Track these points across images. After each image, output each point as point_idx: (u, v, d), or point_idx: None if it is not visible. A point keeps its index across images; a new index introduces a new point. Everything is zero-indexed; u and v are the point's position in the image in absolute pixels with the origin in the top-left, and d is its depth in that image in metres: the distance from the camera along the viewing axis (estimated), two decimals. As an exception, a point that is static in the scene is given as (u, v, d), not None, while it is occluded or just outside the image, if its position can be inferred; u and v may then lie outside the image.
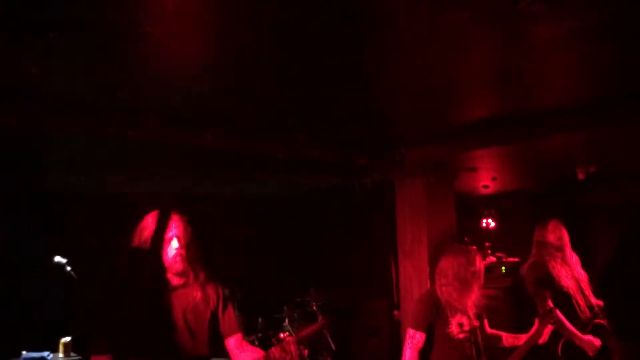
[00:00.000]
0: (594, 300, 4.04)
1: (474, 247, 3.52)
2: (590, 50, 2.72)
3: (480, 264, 3.37)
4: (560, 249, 4.00)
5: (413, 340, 3.29)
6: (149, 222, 2.69)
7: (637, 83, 3.29)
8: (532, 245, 4.19)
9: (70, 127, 3.18)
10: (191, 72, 2.80)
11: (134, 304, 2.47)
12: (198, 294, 2.68)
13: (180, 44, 2.42)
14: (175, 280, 2.68)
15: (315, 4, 2.12)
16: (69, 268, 4.31)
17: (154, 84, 2.94)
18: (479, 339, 3.40)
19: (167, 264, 2.64)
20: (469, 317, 3.33)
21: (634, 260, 1.92)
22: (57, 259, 4.34)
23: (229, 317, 2.83)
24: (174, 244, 2.65)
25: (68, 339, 4.52)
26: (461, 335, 3.31)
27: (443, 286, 3.35)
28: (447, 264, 3.39)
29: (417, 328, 3.31)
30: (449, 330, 3.29)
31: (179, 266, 2.65)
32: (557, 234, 4.02)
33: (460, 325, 3.30)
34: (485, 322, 3.56)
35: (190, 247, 2.71)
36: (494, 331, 3.62)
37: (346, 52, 2.64)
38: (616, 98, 3.50)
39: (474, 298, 3.33)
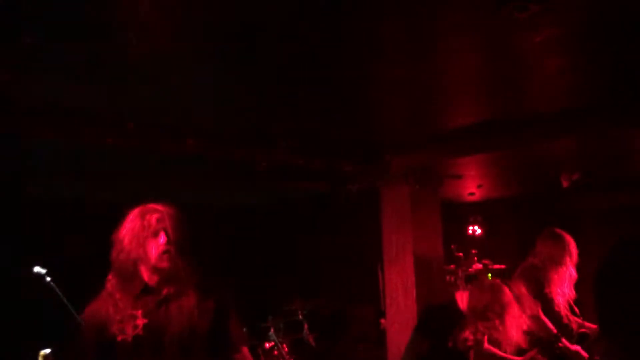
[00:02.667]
0: (577, 316, 4.04)
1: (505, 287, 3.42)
2: (574, 58, 2.73)
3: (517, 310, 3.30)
4: (559, 262, 3.95)
5: (420, 346, 3.34)
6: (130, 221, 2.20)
7: (621, 90, 3.30)
8: (530, 252, 4.14)
9: (48, 134, 3.11)
10: (172, 78, 2.76)
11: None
12: (192, 302, 2.17)
13: (160, 50, 2.38)
14: (164, 288, 2.14)
15: (299, 12, 2.10)
16: (48, 279, 4.23)
17: (133, 90, 2.90)
18: (480, 355, 3.39)
19: (153, 265, 2.13)
20: (475, 335, 3.30)
21: (622, 262, 1.94)
22: (37, 269, 4.25)
23: (234, 328, 2.34)
24: (161, 238, 2.15)
25: (48, 351, 4.41)
26: (464, 350, 3.29)
27: (469, 310, 3.27)
28: (480, 296, 3.27)
29: (425, 334, 3.34)
30: (452, 343, 3.26)
31: (165, 265, 2.13)
32: (562, 247, 3.97)
33: (465, 340, 3.27)
34: (485, 337, 3.52)
35: (181, 243, 2.20)
36: (491, 348, 3.58)
37: (331, 59, 2.62)
38: (600, 106, 3.52)
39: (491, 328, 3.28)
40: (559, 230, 4.05)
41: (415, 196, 4.89)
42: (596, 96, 3.41)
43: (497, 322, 3.21)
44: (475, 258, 6.70)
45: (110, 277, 2.19)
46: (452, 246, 6.43)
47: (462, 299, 3.37)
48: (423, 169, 4.86)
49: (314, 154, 4.41)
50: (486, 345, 3.53)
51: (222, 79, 2.84)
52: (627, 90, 3.29)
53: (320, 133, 4.13)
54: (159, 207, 2.24)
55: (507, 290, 3.31)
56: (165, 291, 2.15)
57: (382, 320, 5.54)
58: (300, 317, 5.58)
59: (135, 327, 2.07)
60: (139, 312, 2.09)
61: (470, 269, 6.32)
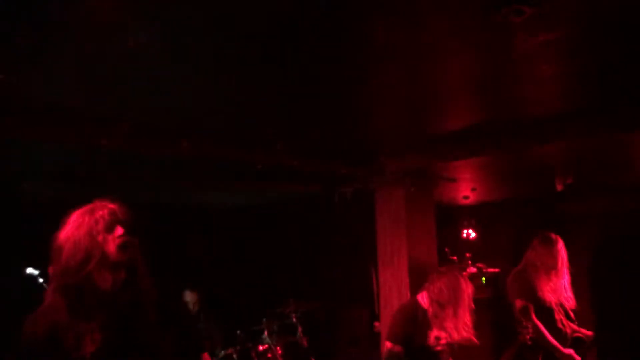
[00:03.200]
0: (572, 320, 4.05)
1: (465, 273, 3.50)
2: (567, 62, 2.74)
3: (470, 292, 3.37)
4: (551, 265, 3.96)
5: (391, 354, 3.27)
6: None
7: (613, 95, 3.32)
8: (523, 254, 4.16)
9: (42, 136, 3.10)
10: (167, 80, 2.75)
11: None
12: (153, 310, 1.98)
13: (156, 52, 2.37)
14: (122, 294, 1.93)
15: (298, 16, 2.10)
16: (41, 280, 4.20)
17: (128, 92, 2.89)
18: (456, 354, 3.41)
19: (112, 262, 1.91)
20: (446, 330, 3.32)
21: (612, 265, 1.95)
22: (30, 270, 4.22)
23: (195, 336, 2.25)
24: (117, 231, 1.95)
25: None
26: (437, 348, 3.30)
27: (434, 302, 3.33)
28: (442, 284, 3.34)
29: (395, 341, 3.30)
30: (427, 343, 3.28)
31: (125, 258, 1.93)
32: (553, 250, 3.99)
33: (437, 338, 3.30)
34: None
35: (138, 241, 2.01)
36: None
37: (327, 62, 2.63)
38: (593, 110, 3.53)
39: (460, 320, 3.31)
40: (550, 234, 4.06)
41: (410, 199, 4.89)
42: (588, 101, 3.43)
43: (450, 310, 3.24)
44: (470, 262, 6.70)
45: (53, 288, 1.90)
46: (446, 249, 6.43)
47: (424, 298, 3.40)
48: (418, 172, 4.87)
49: (309, 156, 4.41)
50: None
51: (218, 80, 2.83)
52: (620, 95, 3.31)
53: (316, 135, 4.13)
54: (108, 203, 2.02)
55: (462, 280, 3.34)
56: (123, 298, 1.91)
57: (376, 323, 5.54)
58: (294, 319, 5.56)
59: (93, 341, 1.82)
60: (95, 325, 1.84)
61: (464, 272, 6.32)
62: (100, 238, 1.91)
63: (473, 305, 3.38)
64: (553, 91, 3.31)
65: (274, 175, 4.77)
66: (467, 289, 3.35)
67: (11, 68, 2.44)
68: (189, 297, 4.98)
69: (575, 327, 4.00)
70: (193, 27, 2.18)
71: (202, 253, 6.32)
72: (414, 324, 3.32)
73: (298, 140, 4.20)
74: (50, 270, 1.94)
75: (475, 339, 3.39)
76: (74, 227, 1.93)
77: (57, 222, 2.00)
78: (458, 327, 3.32)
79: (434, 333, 3.30)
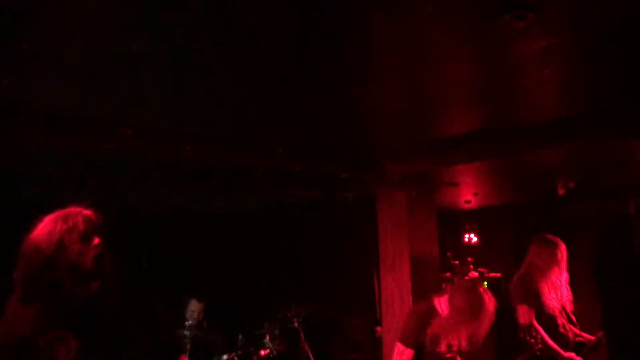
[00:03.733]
0: (574, 323, 4.04)
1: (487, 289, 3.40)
2: (568, 67, 2.75)
3: (491, 310, 3.21)
4: (552, 268, 3.96)
5: (402, 357, 3.20)
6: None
7: (614, 99, 3.32)
8: (524, 258, 4.15)
9: (43, 140, 3.11)
10: (168, 83, 2.76)
11: None
12: (128, 318, 2.03)
13: (157, 54, 2.38)
14: (98, 300, 1.90)
15: (297, 20, 2.11)
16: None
17: (130, 96, 2.89)
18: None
19: (86, 273, 1.87)
20: (459, 339, 3.26)
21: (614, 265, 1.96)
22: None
23: (169, 342, 2.22)
24: (94, 241, 1.93)
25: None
26: (449, 355, 3.24)
27: (457, 310, 3.19)
28: (460, 296, 3.21)
29: (407, 344, 3.21)
30: (438, 349, 3.21)
31: (102, 270, 1.90)
32: (553, 252, 3.98)
33: (449, 346, 3.23)
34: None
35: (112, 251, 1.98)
36: None
37: (328, 67, 2.63)
38: (594, 114, 3.53)
39: (472, 332, 3.20)
40: (548, 236, 4.06)
41: (412, 203, 4.89)
42: (590, 105, 3.43)
43: (476, 324, 3.16)
44: (471, 266, 6.70)
45: (17, 296, 1.83)
46: (448, 254, 6.44)
47: (441, 304, 3.30)
48: (419, 176, 4.87)
49: (310, 160, 4.41)
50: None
51: (219, 85, 2.84)
52: (621, 99, 3.31)
53: (317, 139, 4.14)
54: (84, 209, 1.96)
55: (484, 292, 3.25)
56: (98, 307, 1.88)
57: (378, 328, 5.53)
58: (296, 324, 5.56)
59: (68, 351, 1.76)
60: (70, 334, 1.77)
61: (466, 277, 6.32)
62: (74, 248, 1.86)
63: (492, 320, 3.25)
64: (554, 96, 3.31)
65: (276, 179, 4.77)
66: (490, 306, 3.19)
67: (13, 72, 2.45)
68: (194, 306, 4.99)
69: (577, 331, 3.99)
70: (194, 30, 2.19)
71: (204, 257, 6.33)
72: (427, 328, 3.21)
73: (299, 144, 4.20)
74: (15, 276, 1.86)
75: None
76: (44, 233, 1.88)
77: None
78: (472, 339, 3.25)
79: (447, 340, 3.23)
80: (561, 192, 5.07)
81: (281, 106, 3.28)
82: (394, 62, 2.61)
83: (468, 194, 6.12)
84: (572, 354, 3.83)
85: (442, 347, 3.20)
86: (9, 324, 1.79)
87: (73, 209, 1.95)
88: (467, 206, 6.87)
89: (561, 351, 3.81)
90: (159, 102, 3.05)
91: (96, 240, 1.92)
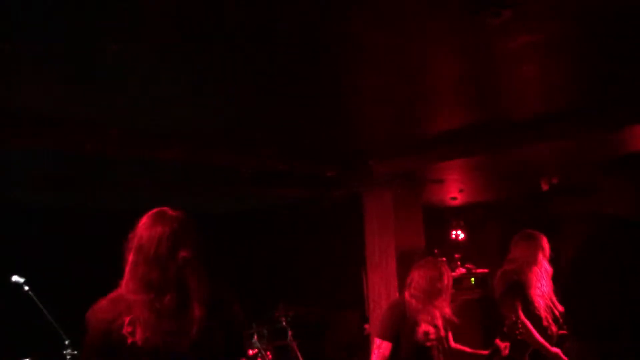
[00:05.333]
0: (558, 314, 4.09)
1: (444, 259, 3.57)
2: (548, 64, 2.78)
3: (449, 279, 3.43)
4: (534, 262, 4.01)
5: (380, 350, 3.31)
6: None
7: (595, 95, 3.37)
8: (507, 255, 4.20)
9: (25, 141, 3.08)
10: (155, 83, 2.75)
11: None
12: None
13: (144, 56, 2.37)
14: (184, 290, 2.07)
15: (283, 20, 2.11)
16: (27, 288, 4.17)
17: (115, 96, 2.88)
18: (446, 349, 3.45)
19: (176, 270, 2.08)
20: (435, 326, 3.36)
21: (594, 265, 2.00)
22: (15, 278, 4.19)
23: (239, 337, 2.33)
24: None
25: (27, 360, 4.34)
26: (427, 344, 3.33)
27: (413, 296, 3.39)
28: (418, 276, 3.41)
29: (383, 337, 3.35)
30: (416, 338, 3.31)
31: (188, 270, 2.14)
32: (535, 246, 4.04)
33: (426, 334, 3.33)
34: (450, 335, 3.59)
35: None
36: (457, 346, 3.65)
37: (313, 66, 2.64)
38: (576, 110, 3.57)
39: (440, 310, 3.38)
40: (530, 231, 4.12)
41: (398, 201, 4.91)
42: (571, 101, 3.47)
43: (430, 300, 3.29)
44: (459, 262, 6.73)
45: (128, 279, 2.00)
46: (435, 251, 6.46)
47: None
48: (405, 174, 4.89)
49: (297, 160, 4.41)
50: (453, 344, 3.60)
51: (205, 84, 2.84)
52: (601, 95, 3.35)
53: (303, 139, 4.14)
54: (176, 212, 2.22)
55: (436, 267, 3.43)
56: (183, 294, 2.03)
57: (366, 326, 5.55)
58: (284, 323, 5.56)
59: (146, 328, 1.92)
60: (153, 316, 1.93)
61: (453, 274, 6.35)
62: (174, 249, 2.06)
63: (451, 290, 3.44)
64: (536, 92, 3.35)
65: (263, 179, 4.77)
66: (444, 275, 3.40)
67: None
68: None
69: (562, 322, 4.04)
70: (181, 31, 2.19)
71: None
72: (402, 321, 3.35)
73: (286, 144, 4.21)
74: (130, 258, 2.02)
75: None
76: (155, 230, 2.07)
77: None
78: (445, 317, 3.38)
79: (422, 328, 3.34)
80: (545, 188, 5.12)
81: (267, 106, 3.28)
82: (378, 61, 2.63)
83: (454, 191, 6.16)
84: (558, 350, 3.88)
85: (420, 336, 3.30)
86: (112, 299, 1.98)
87: (168, 210, 2.17)
88: (453, 203, 6.90)
89: (548, 345, 3.86)
90: (144, 102, 3.04)
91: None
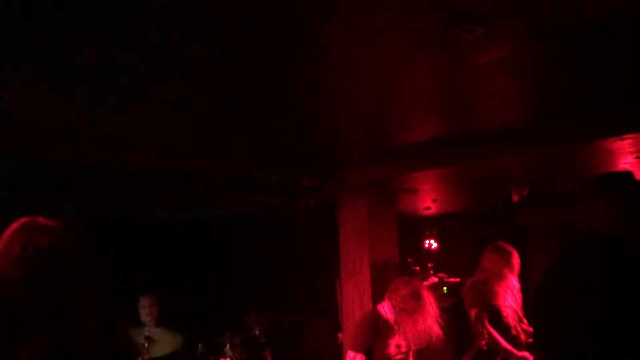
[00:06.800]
0: (526, 326, 4.18)
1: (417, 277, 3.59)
2: (519, 78, 2.85)
3: (432, 300, 3.45)
4: (502, 275, 4.09)
5: None
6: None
7: (567, 110, 3.45)
8: (478, 266, 4.28)
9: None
10: (128, 88, 2.73)
11: None
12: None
13: (116, 60, 2.36)
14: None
15: (256, 26, 2.12)
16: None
17: (86, 100, 2.85)
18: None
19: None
20: (407, 339, 3.39)
21: (562, 278, 2.03)
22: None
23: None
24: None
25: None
26: (399, 357, 3.36)
27: (399, 310, 3.39)
28: (395, 292, 3.44)
29: (357, 350, 3.36)
30: (387, 351, 3.34)
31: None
32: (505, 260, 4.12)
33: (398, 346, 3.36)
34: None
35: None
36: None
37: (287, 74, 2.65)
38: (550, 122, 3.66)
39: (420, 329, 3.38)
40: (502, 244, 4.20)
41: (373, 210, 4.95)
42: (540, 115, 3.56)
43: (414, 319, 3.31)
44: (432, 272, 6.81)
45: None
46: (409, 260, 6.52)
47: (384, 308, 3.47)
48: (380, 183, 4.93)
49: (271, 167, 4.41)
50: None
51: (180, 91, 2.83)
52: (571, 109, 3.45)
53: (278, 147, 4.15)
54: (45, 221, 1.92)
55: (424, 289, 3.45)
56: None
57: (340, 334, 5.55)
58: (257, 332, 5.53)
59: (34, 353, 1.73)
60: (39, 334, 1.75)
61: (426, 282, 6.42)
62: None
63: (437, 312, 3.43)
64: (506, 105, 3.42)
65: (236, 186, 4.75)
66: (430, 298, 3.41)
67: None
68: (145, 301, 4.84)
69: (527, 328, 4.13)
70: (157, 38, 2.18)
71: (162, 266, 6.23)
72: (375, 333, 3.37)
73: (261, 151, 4.21)
74: None
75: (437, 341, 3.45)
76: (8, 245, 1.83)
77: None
78: (420, 335, 3.39)
79: (395, 341, 3.36)
80: (515, 198, 5.22)
81: (242, 114, 3.28)
82: (352, 70, 2.66)
83: (427, 201, 6.23)
84: (526, 353, 3.97)
85: (391, 349, 3.33)
86: None
87: (29, 219, 1.89)
88: (426, 213, 6.98)
89: (515, 351, 3.95)
90: (117, 108, 3.01)
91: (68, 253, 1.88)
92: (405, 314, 3.35)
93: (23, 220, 1.88)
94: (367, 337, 3.37)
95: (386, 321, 3.41)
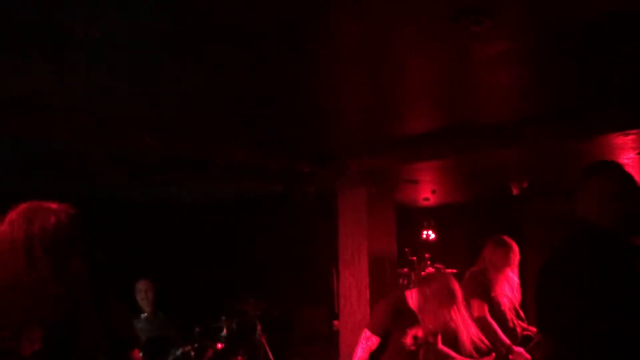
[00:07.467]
0: (523, 322, 4.21)
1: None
2: (525, 71, 2.83)
3: (458, 292, 3.31)
4: (503, 267, 4.11)
5: (368, 342, 3.25)
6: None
7: (568, 102, 3.44)
8: (478, 257, 4.29)
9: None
10: (129, 73, 2.71)
11: None
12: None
13: (119, 43, 2.33)
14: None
15: (261, 14, 2.10)
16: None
17: (89, 84, 2.83)
18: (431, 354, 3.45)
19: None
20: (426, 332, 3.33)
21: (560, 267, 2.07)
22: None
23: (123, 327, 2.15)
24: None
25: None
26: (413, 348, 3.31)
27: (424, 300, 3.27)
28: (442, 285, 3.29)
29: (374, 331, 3.27)
30: (404, 340, 3.28)
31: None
32: (504, 254, 4.13)
33: (415, 337, 3.30)
34: (439, 338, 3.58)
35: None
36: (444, 348, 3.64)
37: (290, 62, 2.63)
38: (548, 117, 3.65)
39: (441, 320, 3.27)
40: (505, 237, 4.21)
41: (372, 199, 4.95)
42: (544, 108, 3.55)
43: (447, 316, 3.23)
44: (429, 262, 6.83)
45: None
46: (406, 250, 6.54)
47: (412, 296, 3.37)
48: (379, 173, 4.93)
49: (271, 154, 4.40)
50: (440, 345, 3.60)
51: (180, 76, 2.81)
52: (573, 103, 3.44)
53: (278, 134, 4.13)
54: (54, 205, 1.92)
55: (455, 282, 3.33)
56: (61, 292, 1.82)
57: (335, 322, 5.58)
58: (254, 317, 5.56)
59: (32, 341, 1.75)
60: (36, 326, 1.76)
61: (423, 273, 6.45)
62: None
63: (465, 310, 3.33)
64: (510, 98, 3.40)
65: (236, 172, 4.74)
66: (459, 293, 3.30)
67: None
68: (142, 285, 4.86)
69: (524, 325, 4.16)
70: (159, 22, 2.16)
71: (160, 250, 6.24)
72: (396, 319, 3.28)
73: (261, 138, 4.19)
74: None
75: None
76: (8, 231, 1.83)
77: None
78: (441, 327, 3.31)
79: (413, 332, 3.30)
80: (515, 191, 5.22)
81: (242, 99, 3.26)
82: (356, 59, 2.64)
83: (427, 192, 6.24)
84: (521, 349, 3.99)
85: (408, 339, 3.28)
86: None
87: (32, 203, 1.89)
88: (425, 203, 6.99)
89: (512, 345, 3.97)
90: (116, 91, 2.99)
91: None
92: (432, 304, 3.22)
93: (27, 203, 1.88)
94: (387, 321, 3.27)
95: (410, 309, 3.31)
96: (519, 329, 4.11)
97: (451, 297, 3.23)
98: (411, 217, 7.30)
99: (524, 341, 4.06)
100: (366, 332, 3.30)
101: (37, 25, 2.12)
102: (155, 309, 4.84)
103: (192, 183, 5.22)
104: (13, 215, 1.86)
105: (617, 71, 2.84)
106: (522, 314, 4.19)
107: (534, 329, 4.14)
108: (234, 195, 6.53)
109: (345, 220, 5.06)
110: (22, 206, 1.87)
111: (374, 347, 3.25)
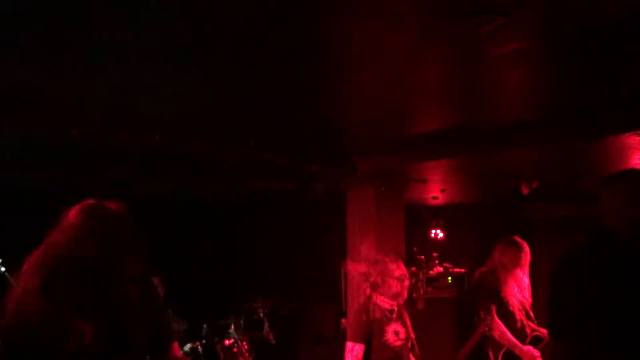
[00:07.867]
0: (532, 322, 4.19)
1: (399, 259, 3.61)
2: (536, 70, 2.82)
3: (406, 278, 3.49)
4: (513, 268, 4.09)
5: (353, 353, 3.28)
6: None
7: (580, 102, 3.42)
8: (489, 257, 4.27)
9: (9, 123, 3.02)
10: (140, 70, 2.72)
11: None
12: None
13: (132, 39, 2.35)
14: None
15: (272, 15, 2.11)
16: (3, 269, 4.10)
17: (99, 82, 2.85)
18: (416, 348, 3.47)
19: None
20: (404, 325, 3.39)
21: (572, 270, 2.07)
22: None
23: (164, 321, 2.22)
24: None
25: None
26: (397, 343, 3.34)
27: (381, 295, 3.42)
28: (380, 275, 3.45)
29: (356, 340, 3.31)
30: (386, 338, 3.31)
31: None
32: (517, 254, 4.11)
33: (396, 333, 3.34)
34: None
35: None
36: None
37: (301, 61, 2.64)
38: (564, 116, 3.63)
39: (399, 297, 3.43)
40: (516, 238, 4.19)
41: (380, 198, 4.94)
42: (555, 109, 3.53)
43: (395, 290, 3.36)
44: (437, 261, 6.81)
45: (36, 283, 1.80)
46: (414, 249, 6.52)
47: (378, 298, 3.45)
48: (389, 172, 4.92)
49: (281, 153, 4.41)
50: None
51: (191, 74, 2.82)
52: (585, 104, 3.41)
53: (289, 132, 4.14)
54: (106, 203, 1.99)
55: (389, 261, 3.49)
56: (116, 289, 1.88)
57: (343, 320, 5.58)
58: (262, 315, 5.57)
59: (81, 334, 1.75)
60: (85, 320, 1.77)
61: (431, 272, 6.43)
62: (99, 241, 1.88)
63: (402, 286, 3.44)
64: (522, 98, 3.39)
65: (246, 170, 4.76)
66: (395, 271, 3.43)
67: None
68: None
69: (534, 326, 4.14)
70: (168, 20, 2.17)
71: (170, 247, 6.27)
72: (371, 321, 3.34)
73: (271, 136, 4.20)
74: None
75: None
76: (68, 226, 1.88)
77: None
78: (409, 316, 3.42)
79: (392, 328, 3.34)
80: (525, 192, 5.19)
81: (253, 98, 3.27)
82: (367, 60, 2.64)
83: (435, 191, 6.22)
84: (530, 347, 3.98)
85: (389, 336, 3.31)
86: (22, 309, 1.76)
87: (94, 202, 1.95)
88: (434, 202, 6.97)
89: (519, 344, 3.96)
90: (129, 89, 3.00)
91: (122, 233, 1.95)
92: (383, 289, 3.40)
93: (87, 202, 1.94)
94: (364, 326, 3.34)
95: (381, 310, 3.38)
96: (528, 330, 4.09)
97: (388, 277, 3.41)
98: (420, 216, 7.27)
99: (534, 341, 4.04)
100: (348, 345, 3.34)
101: (48, 24, 2.14)
102: (164, 299, 4.87)
103: (201, 181, 5.23)
104: (76, 212, 1.90)
105: (630, 71, 2.82)
106: (532, 314, 4.17)
107: (544, 330, 4.13)
108: (244, 194, 6.54)
109: (354, 219, 5.06)
110: (84, 203, 1.93)
111: (360, 355, 3.28)
